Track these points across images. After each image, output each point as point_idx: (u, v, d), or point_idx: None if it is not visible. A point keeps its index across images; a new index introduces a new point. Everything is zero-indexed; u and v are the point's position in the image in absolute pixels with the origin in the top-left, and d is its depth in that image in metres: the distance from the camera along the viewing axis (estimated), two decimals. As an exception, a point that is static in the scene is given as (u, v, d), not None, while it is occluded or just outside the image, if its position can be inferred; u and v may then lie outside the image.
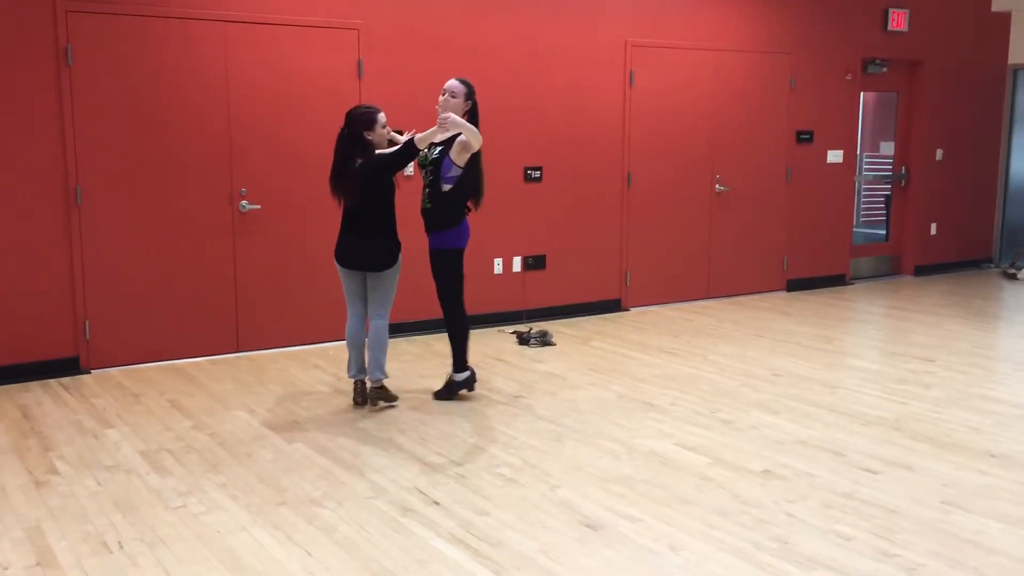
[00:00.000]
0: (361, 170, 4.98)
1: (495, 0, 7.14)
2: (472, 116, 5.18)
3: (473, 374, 5.45)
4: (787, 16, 8.63)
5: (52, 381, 5.77)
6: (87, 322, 5.96)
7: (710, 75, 8.25)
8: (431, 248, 5.24)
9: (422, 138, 4.97)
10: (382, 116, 5.09)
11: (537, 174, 7.48)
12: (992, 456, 4.46)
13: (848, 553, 3.43)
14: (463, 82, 5.17)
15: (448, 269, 5.22)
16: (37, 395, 5.48)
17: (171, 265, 6.17)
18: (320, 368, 6.09)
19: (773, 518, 3.75)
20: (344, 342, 5.59)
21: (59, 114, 5.73)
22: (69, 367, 5.93)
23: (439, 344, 6.77)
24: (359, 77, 6.65)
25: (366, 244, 5.08)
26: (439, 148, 5.13)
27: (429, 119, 6.99)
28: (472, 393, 5.50)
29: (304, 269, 6.63)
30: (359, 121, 5.04)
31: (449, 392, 5.38)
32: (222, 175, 6.27)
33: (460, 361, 5.36)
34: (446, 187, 5.10)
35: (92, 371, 5.98)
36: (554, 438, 4.73)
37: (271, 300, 6.54)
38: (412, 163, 5.24)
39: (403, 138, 5.17)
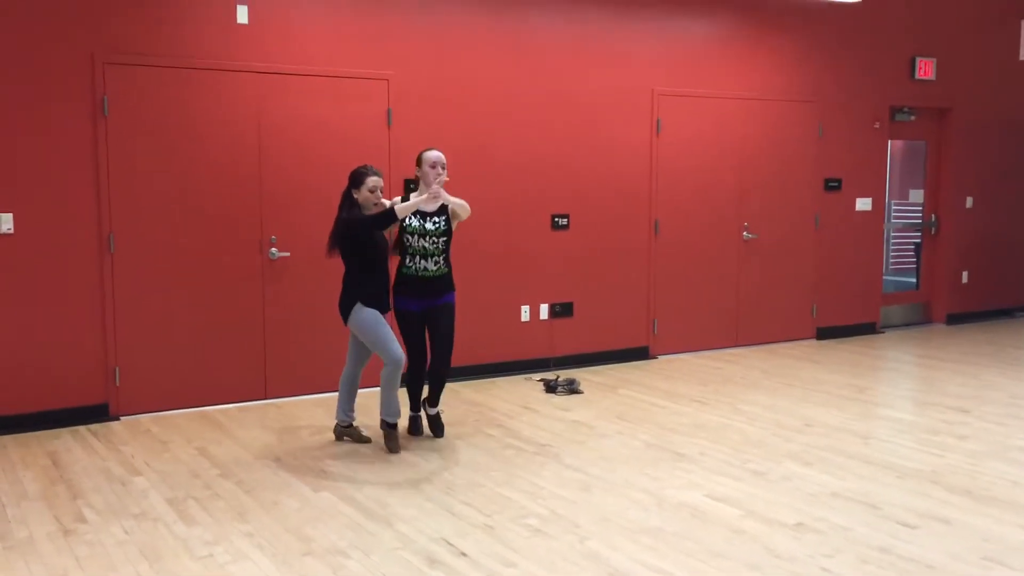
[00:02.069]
0: (336, 224, 5.24)
1: (523, 50, 7.22)
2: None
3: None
4: (814, 64, 8.66)
5: (82, 428, 5.79)
6: (117, 369, 6.00)
7: (737, 123, 8.27)
8: (448, 304, 5.46)
9: (404, 208, 5.08)
10: (373, 180, 5.21)
11: (564, 221, 7.50)
12: (1032, 510, 4.35)
13: None
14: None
15: (450, 315, 5.52)
16: (67, 442, 5.51)
17: (201, 312, 6.21)
18: (347, 415, 6.07)
19: (808, 573, 3.66)
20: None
21: (95, 163, 5.83)
22: (99, 414, 5.96)
23: (466, 391, 6.75)
24: (388, 126, 6.72)
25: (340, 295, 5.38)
26: (442, 218, 5.35)
27: (456, 167, 7.08)
28: (494, 440, 5.46)
29: (333, 316, 6.63)
30: (351, 177, 5.28)
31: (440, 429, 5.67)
32: (252, 223, 6.33)
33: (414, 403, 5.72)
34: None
35: (121, 418, 6.00)
36: (582, 488, 4.68)
37: (299, 346, 6.56)
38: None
39: (387, 203, 5.34)
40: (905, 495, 4.56)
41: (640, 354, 7.95)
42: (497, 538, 4.04)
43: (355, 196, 5.23)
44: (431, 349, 5.44)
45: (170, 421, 5.95)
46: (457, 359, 7.07)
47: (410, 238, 5.29)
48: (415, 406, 5.71)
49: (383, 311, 5.29)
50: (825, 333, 9.00)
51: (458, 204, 5.31)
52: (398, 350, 5.21)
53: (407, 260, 5.33)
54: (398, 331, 5.49)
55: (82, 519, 4.26)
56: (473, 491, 4.65)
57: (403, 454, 5.26)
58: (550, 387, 6.80)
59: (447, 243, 5.37)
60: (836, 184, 8.92)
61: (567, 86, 7.42)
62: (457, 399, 6.56)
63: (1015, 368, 7.68)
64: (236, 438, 5.57)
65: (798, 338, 8.84)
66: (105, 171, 5.86)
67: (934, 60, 9.36)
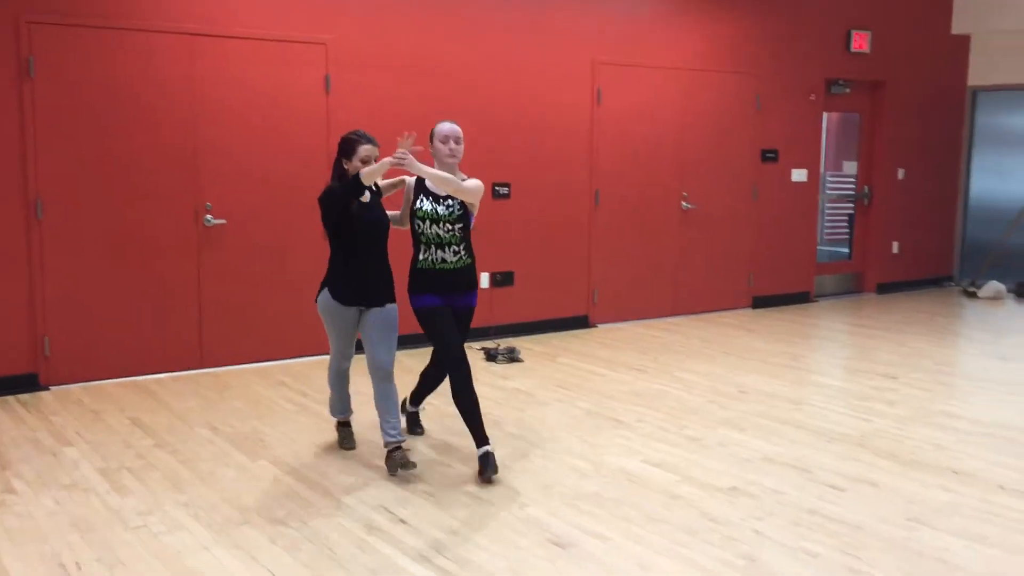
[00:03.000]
0: (320, 197, 4.47)
1: (464, 19, 7.15)
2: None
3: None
4: (752, 36, 8.73)
5: (10, 398, 5.64)
6: (46, 338, 5.84)
7: (677, 94, 8.32)
8: (471, 307, 4.63)
9: (368, 173, 4.23)
10: (366, 149, 4.39)
11: (505, 191, 7.48)
12: (955, 473, 4.50)
13: (815, 570, 3.43)
14: (457, 124, 4.57)
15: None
16: (-6, 412, 5.37)
17: (134, 279, 6.08)
18: (286, 385, 6.02)
19: (741, 535, 3.75)
20: None
21: (20, 126, 5.64)
22: (28, 384, 5.80)
23: (408, 360, 6.73)
24: (326, 92, 6.61)
25: None
26: (456, 201, 4.44)
27: (396, 136, 6.98)
28: (434, 408, 5.46)
29: (270, 284, 6.56)
30: (340, 146, 4.50)
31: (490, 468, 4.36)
32: (187, 189, 6.19)
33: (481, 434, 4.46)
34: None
35: (51, 388, 5.86)
36: (522, 455, 4.71)
37: (236, 315, 6.46)
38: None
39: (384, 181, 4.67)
40: (835, 459, 4.69)
41: (580, 323, 8.00)
42: (438, 505, 4.05)
43: (346, 167, 4.43)
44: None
45: (102, 391, 5.82)
46: (400, 327, 7.05)
47: (421, 224, 4.45)
48: (416, 401, 5.11)
49: (351, 302, 4.52)
50: (761, 302, 9.16)
51: (435, 176, 4.26)
52: (336, 347, 4.68)
53: (422, 251, 4.49)
54: (434, 332, 4.54)
55: (11, 490, 4.16)
56: (413, 458, 4.64)
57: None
58: (491, 356, 6.81)
59: (464, 230, 4.48)
60: (773, 155, 9.05)
61: (509, 56, 7.38)
62: (398, 368, 6.51)
63: (942, 336, 7.92)
64: (170, 407, 5.48)
65: (735, 307, 8.98)
66: (32, 134, 5.67)
67: (869, 33, 9.50)
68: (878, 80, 9.77)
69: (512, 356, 6.79)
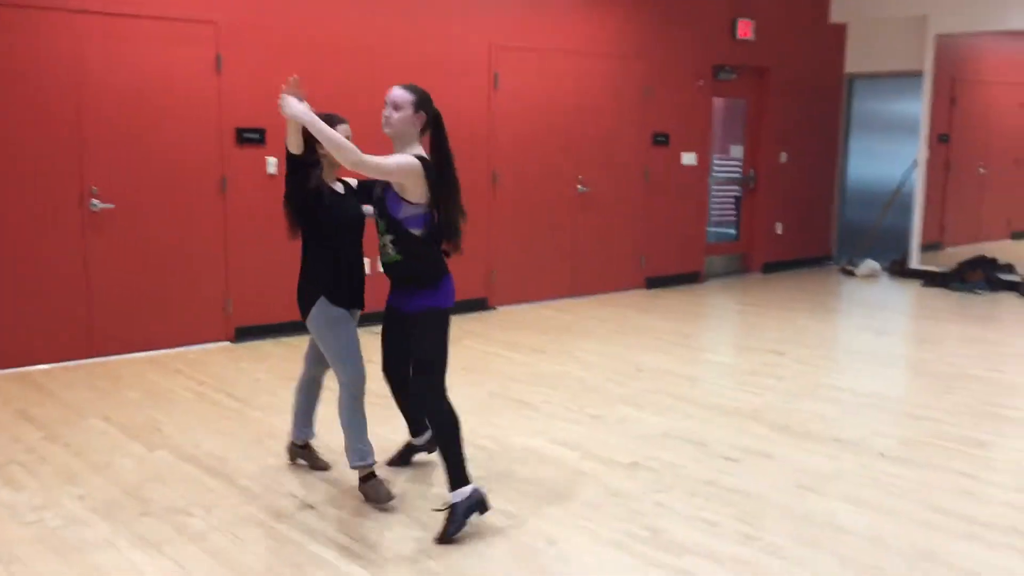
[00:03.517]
0: (285, 193, 3.93)
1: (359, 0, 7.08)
2: (435, 136, 3.76)
3: (479, 491, 3.68)
4: (643, 22, 8.91)
5: None
6: (-79, 329, 5.55)
7: (572, 78, 8.43)
8: (417, 315, 3.73)
9: (288, 140, 3.70)
10: (341, 129, 3.80)
11: (403, 173, 7.45)
12: (839, 442, 4.76)
13: (714, 539, 3.59)
14: (411, 89, 3.72)
15: (431, 335, 3.70)
16: None
17: (17, 266, 5.82)
18: (182, 373, 5.88)
19: (644, 508, 3.88)
20: None
21: None
22: (-99, 377, 5.51)
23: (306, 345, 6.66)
24: (217, 72, 6.45)
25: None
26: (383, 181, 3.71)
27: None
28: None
29: (162, 270, 6.39)
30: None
31: (456, 527, 3.57)
32: (72, 173, 5.96)
33: (458, 475, 3.66)
34: (415, 231, 3.64)
35: (-73, 381, 5.58)
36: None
37: (127, 303, 6.26)
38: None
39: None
40: (729, 432, 4.88)
41: (480, 305, 8.06)
42: (346, 491, 4.05)
43: (319, 151, 3.80)
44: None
45: (-16, 384, 5.58)
46: (296, 313, 6.95)
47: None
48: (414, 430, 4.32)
49: (352, 307, 4.04)
50: (654, 282, 9.40)
51: (320, 134, 3.46)
52: (358, 364, 3.95)
53: None
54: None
55: None
56: (316, 445, 4.61)
57: (246, 410, 5.16)
58: (391, 339, 6.79)
59: (389, 216, 3.62)
60: (663, 139, 9.27)
61: (406, 38, 7.33)
62: (297, 353, 6.42)
63: (824, 313, 8.30)
64: (60, 399, 5.29)
65: (629, 287, 9.19)
66: (-100, 114, 5.36)
67: (753, 21, 9.82)
68: (762, 67, 10.11)
69: (413, 339, 6.79)
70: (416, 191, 3.59)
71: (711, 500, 3.98)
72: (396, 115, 3.68)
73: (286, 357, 6.31)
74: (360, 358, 3.98)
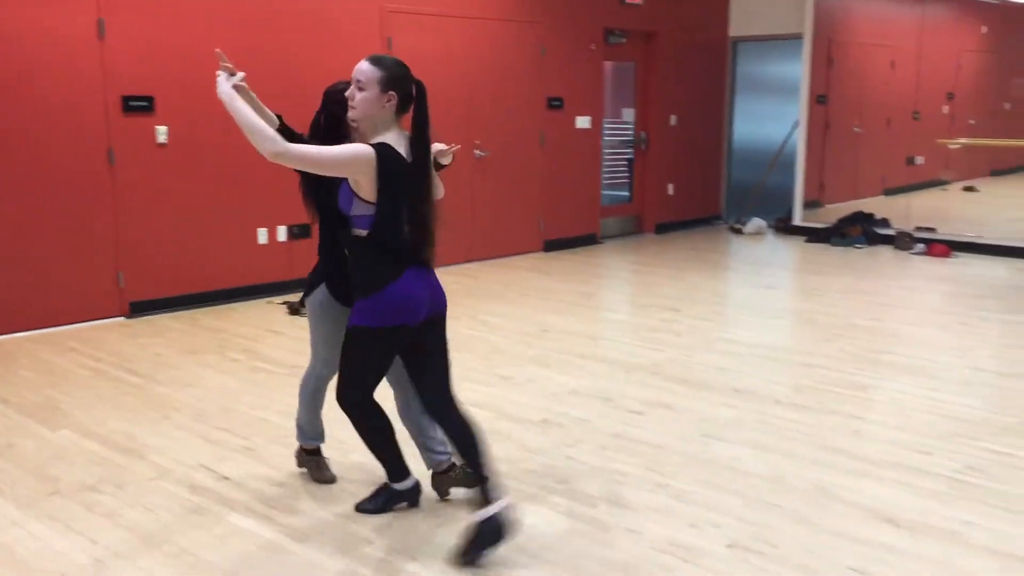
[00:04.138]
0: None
1: (247, -40, 6.89)
2: (414, 118, 3.07)
3: (417, 485, 3.55)
4: (536, -14, 8.96)
5: None
6: None
7: (466, 43, 8.42)
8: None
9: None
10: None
11: (298, 141, 7.33)
12: (737, 391, 4.98)
13: (626, 488, 3.74)
14: (378, 63, 3.07)
15: (349, 350, 3.21)
16: None
17: None
18: (76, 351, 5.71)
19: (555, 462, 4.00)
20: None
21: None
22: None
23: (205, 318, 6.54)
24: (100, 38, 6.20)
25: None
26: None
27: (180, 85, 6.69)
28: (242, 364, 5.37)
29: (48, 245, 6.15)
30: (335, 100, 3.47)
31: (385, 503, 3.53)
32: (-53, 144, 5.67)
33: (392, 470, 3.50)
34: (360, 231, 3.10)
35: None
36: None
37: (13, 279, 6.01)
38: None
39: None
40: (633, 387, 5.05)
41: (380, 272, 8.03)
42: (260, 460, 4.04)
43: (350, 125, 3.31)
44: None
45: None
46: (193, 285, 6.84)
47: None
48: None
49: (335, 299, 3.58)
50: (552, 245, 9.54)
51: (236, 114, 2.96)
52: (333, 361, 3.60)
53: None
54: None
55: None
56: (227, 416, 4.58)
57: (149, 385, 5.05)
58: (294, 309, 6.74)
59: (340, 211, 3.15)
60: (558, 103, 9.38)
61: (297, 2, 7.19)
62: (196, 326, 6.34)
63: (715, 271, 8.60)
64: (-52, 382, 5.08)
65: (528, 251, 9.31)
66: None
67: (642, -14, 9.99)
68: (650, 31, 10.30)
69: (315, 308, 6.73)
70: (369, 187, 2.98)
71: (619, 451, 4.13)
72: (359, 96, 3.06)
73: (185, 331, 6.19)
74: (326, 347, 3.64)
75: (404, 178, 3.02)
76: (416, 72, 3.06)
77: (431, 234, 3.13)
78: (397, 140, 3.04)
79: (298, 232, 7.43)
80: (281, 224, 7.33)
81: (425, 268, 3.15)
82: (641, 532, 3.35)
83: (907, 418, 4.55)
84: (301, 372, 5.26)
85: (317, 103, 3.68)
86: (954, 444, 4.20)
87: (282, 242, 7.35)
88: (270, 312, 6.77)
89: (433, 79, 8.19)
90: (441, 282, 3.25)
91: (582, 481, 3.80)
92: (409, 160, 3.03)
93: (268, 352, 5.71)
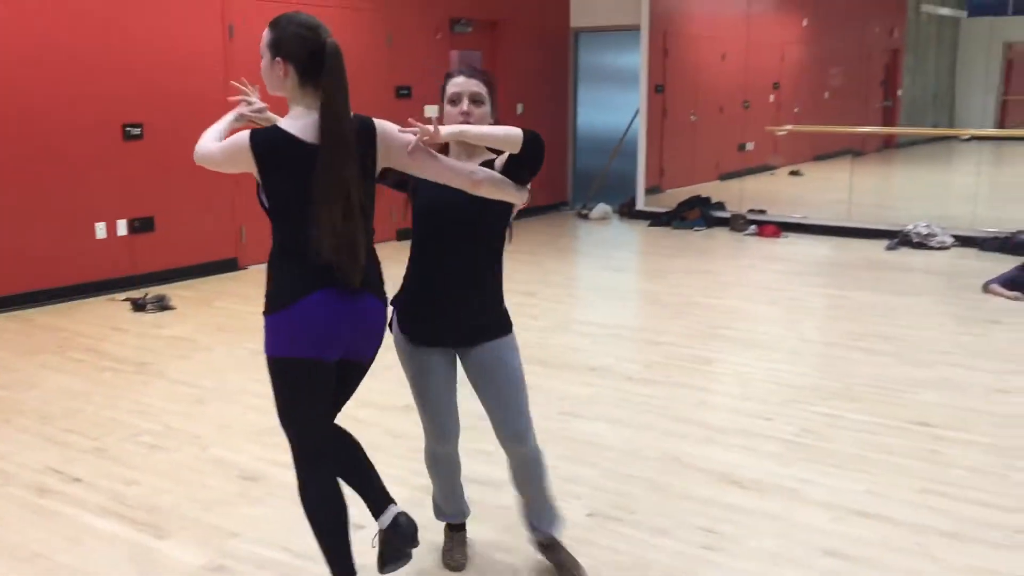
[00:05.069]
0: None
1: (76, -60, 6.56)
2: (325, 87, 2.56)
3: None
4: (380, -26, 8.92)
5: None
6: None
7: (311, 30, 8.29)
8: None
9: None
10: (455, 84, 2.96)
11: (138, 131, 7.06)
12: (592, 370, 5.17)
13: (491, 466, 3.83)
14: (273, 24, 2.65)
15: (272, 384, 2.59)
16: None
17: None
18: (-102, 356, 5.33)
19: (422, 446, 4.04)
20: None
21: None
22: None
23: (42, 317, 6.23)
24: (-85, 20, 5.79)
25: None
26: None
27: (7, 71, 6.30)
28: (86, 364, 5.16)
29: None
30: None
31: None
32: None
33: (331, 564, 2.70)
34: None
35: None
36: (195, 400, 4.64)
37: None
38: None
39: None
40: (492, 370, 5.16)
41: (230, 266, 7.84)
42: (111, 459, 3.91)
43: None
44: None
45: None
46: (28, 283, 6.49)
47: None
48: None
49: (433, 343, 3.00)
50: (404, 234, 9.53)
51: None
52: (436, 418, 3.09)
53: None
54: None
55: None
56: (73, 417, 4.39)
57: None
58: (138, 305, 6.50)
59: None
60: (407, 92, 9.38)
61: (130, -17, 6.91)
62: (33, 326, 6.02)
63: (566, 255, 8.84)
64: None
65: (381, 240, 9.22)
66: None
67: (486, -24, 10.10)
68: (495, 20, 10.44)
69: (162, 304, 6.53)
70: (261, 182, 2.54)
71: (484, 432, 4.20)
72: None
73: (22, 331, 5.88)
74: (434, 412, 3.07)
75: (299, 168, 2.41)
76: (259, 58, 2.57)
77: (351, 246, 2.44)
78: (298, 119, 2.48)
79: (139, 226, 7.15)
80: (121, 218, 7.03)
81: (349, 293, 2.47)
82: (507, 507, 3.45)
83: (747, 388, 4.86)
84: (154, 368, 5.13)
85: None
86: (790, 409, 4.51)
87: (123, 236, 7.06)
88: (113, 309, 6.51)
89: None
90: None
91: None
92: (315, 144, 2.42)
93: (114, 350, 5.50)
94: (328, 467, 2.68)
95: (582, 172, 12.05)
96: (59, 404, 4.57)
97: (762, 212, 10.30)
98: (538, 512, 3.03)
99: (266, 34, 2.56)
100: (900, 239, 8.89)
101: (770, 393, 4.76)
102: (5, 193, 6.34)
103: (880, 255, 8.55)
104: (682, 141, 11.71)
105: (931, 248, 8.70)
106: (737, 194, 10.73)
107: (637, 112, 11.04)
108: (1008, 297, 6.69)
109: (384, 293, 2.64)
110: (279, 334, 2.50)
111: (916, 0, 14.41)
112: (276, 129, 2.49)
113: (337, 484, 2.69)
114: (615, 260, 8.60)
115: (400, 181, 2.83)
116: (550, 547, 3.03)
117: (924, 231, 8.86)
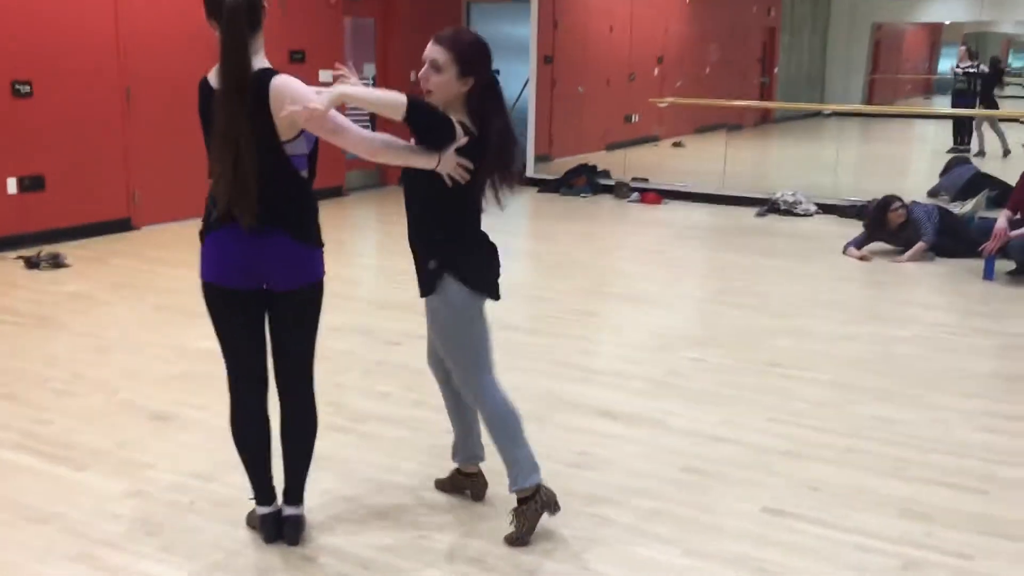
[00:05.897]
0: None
1: None
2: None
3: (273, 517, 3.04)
4: (275, -62, 8.99)
5: None
6: None
7: (205, -8, 8.32)
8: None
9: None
10: None
11: (27, 89, 7.02)
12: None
13: (390, 406, 4.18)
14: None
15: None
16: None
17: None
18: None
19: (327, 390, 4.27)
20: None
21: None
22: None
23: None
24: None
25: None
26: None
27: None
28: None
29: None
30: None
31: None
32: None
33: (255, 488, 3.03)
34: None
35: None
36: (100, 351, 4.80)
37: None
38: None
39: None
40: (389, 322, 5.48)
41: (123, 226, 7.88)
42: (22, 403, 4.07)
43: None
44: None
45: None
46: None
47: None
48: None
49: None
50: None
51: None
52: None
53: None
54: None
55: None
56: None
57: None
58: (32, 263, 6.52)
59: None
60: (300, 56, 9.49)
61: (19, -61, 6.85)
62: (-76, 283, 6.01)
63: (457, 219, 9.15)
64: None
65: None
66: None
67: (380, -56, 10.24)
68: (390, -12, 10.61)
69: (57, 262, 6.58)
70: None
71: (383, 376, 4.56)
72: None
73: (-87, 287, 5.87)
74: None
75: (207, 114, 2.76)
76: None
77: (229, 185, 2.72)
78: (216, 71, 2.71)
79: (30, 184, 7.14)
80: (10, 176, 7.01)
81: (243, 231, 2.74)
82: (402, 439, 3.80)
83: (624, 337, 5.32)
84: (56, 322, 5.25)
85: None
86: (660, 355, 4.99)
87: (12, 195, 7.04)
88: (6, 267, 6.52)
89: (174, 28, 8.10)
90: (188, 234, 3.01)
91: (350, 403, 4.19)
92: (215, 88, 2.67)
93: (12, 305, 5.58)
94: (256, 394, 2.99)
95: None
96: (-38, 355, 4.67)
97: (645, 180, 10.83)
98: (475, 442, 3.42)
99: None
100: (769, 206, 9.55)
101: (644, 342, 5.23)
102: None
103: (751, 221, 9.19)
104: (571, 111, 12.14)
105: (796, 215, 9.39)
106: (622, 163, 11.24)
107: (527, 82, 11.39)
108: (856, 257, 7.39)
109: (302, 228, 2.94)
110: (201, 260, 2.87)
111: (791, -19, 15.18)
112: (204, 79, 2.82)
113: (262, 410, 3.00)
114: (504, 223, 8.92)
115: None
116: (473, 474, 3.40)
117: (791, 199, 9.54)
